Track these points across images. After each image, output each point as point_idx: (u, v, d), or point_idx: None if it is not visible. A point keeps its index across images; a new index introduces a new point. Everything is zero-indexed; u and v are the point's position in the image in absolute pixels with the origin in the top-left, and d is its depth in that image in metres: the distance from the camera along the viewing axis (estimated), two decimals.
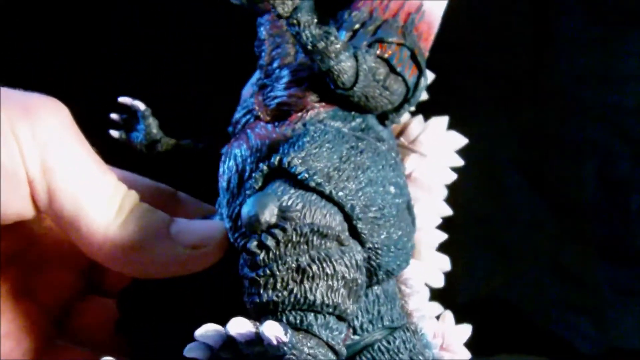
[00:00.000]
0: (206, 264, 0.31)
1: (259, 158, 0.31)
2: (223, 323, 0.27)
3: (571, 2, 0.71)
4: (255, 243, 0.26)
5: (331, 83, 0.31)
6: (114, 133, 0.37)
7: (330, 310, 0.26)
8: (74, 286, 0.36)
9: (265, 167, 0.29)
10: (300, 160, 0.28)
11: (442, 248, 0.37)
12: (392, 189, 0.30)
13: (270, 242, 0.26)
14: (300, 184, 0.28)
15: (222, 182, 0.32)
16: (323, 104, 0.32)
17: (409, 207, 0.32)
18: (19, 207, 0.29)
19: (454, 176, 0.36)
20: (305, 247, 0.26)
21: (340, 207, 0.28)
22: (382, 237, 0.28)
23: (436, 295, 0.36)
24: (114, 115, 0.37)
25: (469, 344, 0.36)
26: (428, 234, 0.36)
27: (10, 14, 0.64)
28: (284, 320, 0.26)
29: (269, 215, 0.26)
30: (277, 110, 0.33)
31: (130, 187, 0.32)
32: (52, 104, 0.30)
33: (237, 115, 0.35)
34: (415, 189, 0.35)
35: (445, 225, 0.36)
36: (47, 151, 0.29)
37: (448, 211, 0.36)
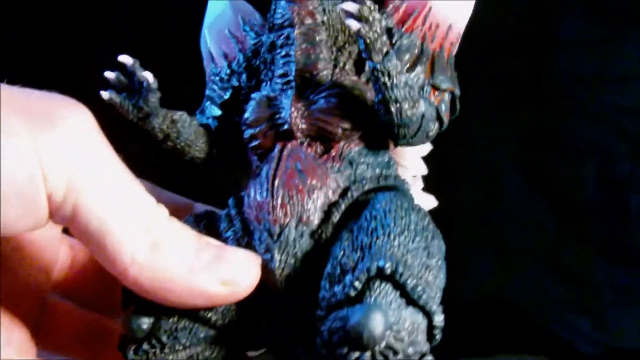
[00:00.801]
0: (234, 301, 0.29)
1: (315, 207, 0.30)
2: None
3: (571, 2, 0.71)
4: None
5: (393, 133, 0.31)
6: (105, 94, 0.33)
7: None
8: (44, 294, 0.34)
9: (373, 271, 0.27)
10: (406, 267, 0.27)
11: None
12: (445, 271, 0.30)
13: None
14: (405, 294, 0.27)
15: (270, 225, 0.31)
16: (359, 136, 0.32)
17: None
18: (31, 226, 0.27)
19: (434, 203, 0.36)
20: None
21: (429, 318, 0.28)
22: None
23: None
24: (108, 74, 0.33)
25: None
26: None
27: (9, 14, 0.64)
28: None
29: (383, 334, 0.26)
30: (316, 133, 0.31)
31: None
32: (76, 109, 0.27)
33: (254, 113, 0.33)
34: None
35: (446, 225, 0.36)
36: (74, 169, 0.26)
37: None
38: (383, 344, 0.26)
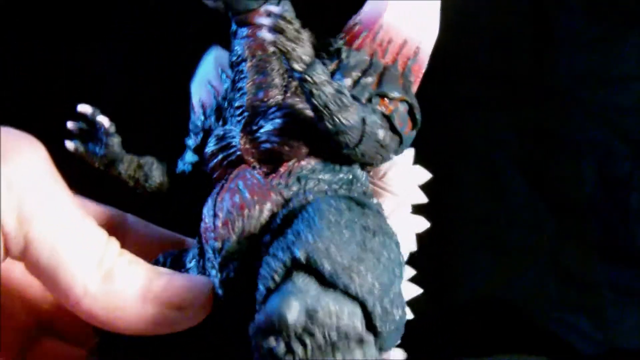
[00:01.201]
0: (189, 325, 0.29)
1: (256, 219, 0.30)
2: None
3: (571, 2, 0.71)
4: (283, 349, 0.26)
5: (333, 141, 0.31)
6: (69, 145, 0.34)
7: None
8: (29, 330, 0.34)
9: (288, 261, 0.27)
10: (325, 256, 0.27)
11: (443, 248, 0.36)
12: (397, 271, 0.29)
13: (300, 350, 0.25)
14: (325, 282, 0.27)
15: (213, 242, 0.31)
16: (311, 156, 0.31)
17: None
18: None
19: (425, 225, 0.36)
20: (331, 350, 0.26)
21: (361, 304, 0.27)
22: (390, 324, 0.28)
23: (436, 295, 0.36)
24: (70, 124, 0.34)
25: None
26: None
27: (9, 14, 0.64)
28: None
29: (298, 318, 0.25)
30: (265, 155, 0.31)
31: None
32: (29, 145, 0.28)
33: (211, 147, 0.33)
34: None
35: (446, 225, 0.36)
36: (24, 201, 0.27)
37: (412, 272, 0.35)
38: (299, 329, 0.26)
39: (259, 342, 0.26)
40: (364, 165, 0.33)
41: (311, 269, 0.27)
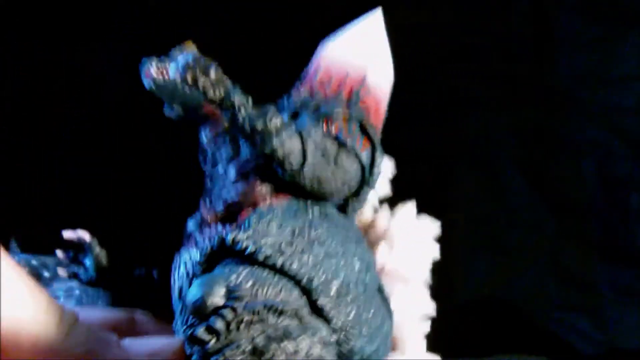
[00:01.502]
0: None
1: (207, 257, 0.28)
2: None
3: (571, 2, 0.71)
4: (202, 329, 0.24)
5: (278, 167, 0.29)
6: (62, 272, 0.34)
7: None
8: None
9: (207, 247, 0.26)
10: (245, 236, 0.26)
11: (443, 248, 0.36)
12: (357, 264, 0.28)
13: (219, 324, 0.24)
14: (249, 260, 0.26)
15: (174, 293, 0.29)
16: (274, 196, 0.29)
17: (381, 291, 0.30)
18: None
19: (428, 264, 0.34)
20: (260, 326, 0.24)
21: (296, 281, 0.26)
22: (351, 316, 0.26)
23: (436, 295, 0.36)
24: (59, 254, 0.35)
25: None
26: (411, 327, 0.33)
27: (9, 14, 0.64)
28: None
29: (216, 296, 0.24)
30: (226, 212, 0.30)
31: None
32: None
33: (187, 231, 0.32)
34: (390, 281, 0.32)
35: (446, 224, 0.36)
36: None
37: (429, 306, 0.34)
38: (219, 305, 0.25)
39: (185, 332, 0.25)
40: (344, 209, 0.31)
41: (234, 252, 0.26)
